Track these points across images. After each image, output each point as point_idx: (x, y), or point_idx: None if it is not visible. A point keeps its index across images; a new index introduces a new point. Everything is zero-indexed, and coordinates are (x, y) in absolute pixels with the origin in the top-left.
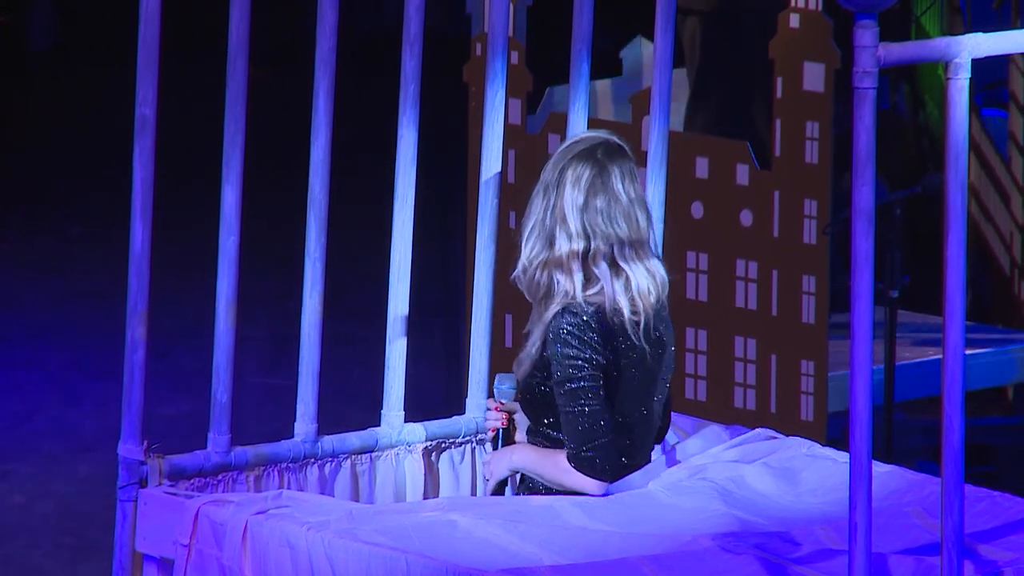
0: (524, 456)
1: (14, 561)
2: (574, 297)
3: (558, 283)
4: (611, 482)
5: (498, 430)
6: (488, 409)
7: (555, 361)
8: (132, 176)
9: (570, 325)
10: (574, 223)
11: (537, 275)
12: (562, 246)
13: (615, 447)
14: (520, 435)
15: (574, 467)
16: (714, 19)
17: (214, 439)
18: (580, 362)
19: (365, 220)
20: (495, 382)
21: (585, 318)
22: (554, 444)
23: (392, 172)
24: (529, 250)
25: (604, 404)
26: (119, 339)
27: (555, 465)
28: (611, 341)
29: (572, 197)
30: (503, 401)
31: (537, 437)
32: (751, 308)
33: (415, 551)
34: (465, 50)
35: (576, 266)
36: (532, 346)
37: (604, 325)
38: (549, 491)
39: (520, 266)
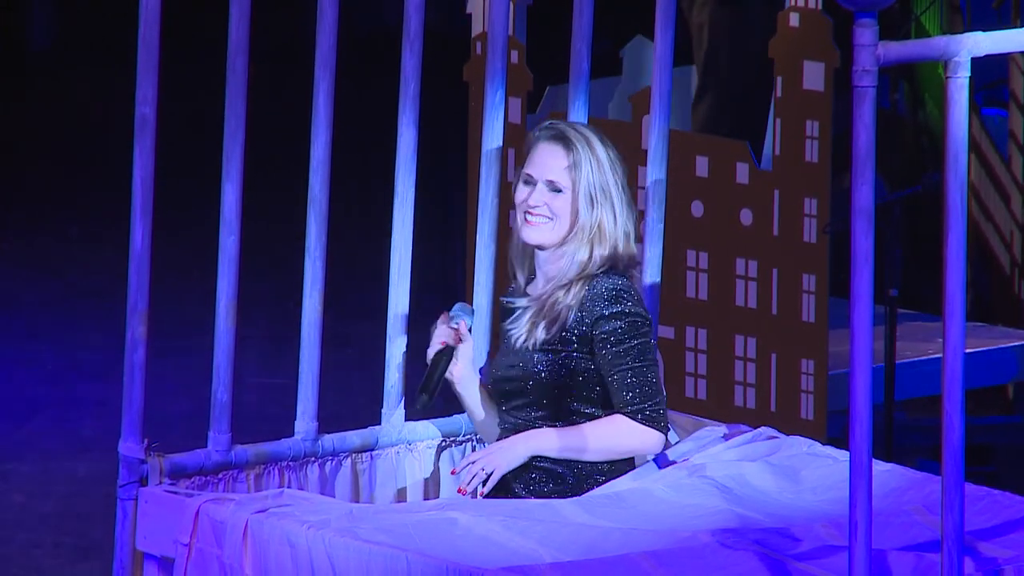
0: (549, 438)
1: (14, 561)
2: (615, 267)
3: (626, 253)
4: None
5: (447, 346)
6: (440, 325)
7: (610, 321)
8: (132, 176)
9: (621, 285)
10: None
11: (626, 245)
12: (631, 222)
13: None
14: (464, 372)
15: (641, 422)
16: (725, 5)
17: (214, 438)
18: (639, 319)
19: (365, 220)
20: (455, 308)
21: (629, 280)
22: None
23: (392, 171)
24: (623, 218)
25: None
26: (119, 339)
27: (609, 430)
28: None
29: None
30: (460, 323)
31: (557, 422)
32: (751, 307)
33: (415, 549)
34: (465, 50)
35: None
36: (560, 306)
37: (637, 291)
38: (579, 479)
39: (620, 233)
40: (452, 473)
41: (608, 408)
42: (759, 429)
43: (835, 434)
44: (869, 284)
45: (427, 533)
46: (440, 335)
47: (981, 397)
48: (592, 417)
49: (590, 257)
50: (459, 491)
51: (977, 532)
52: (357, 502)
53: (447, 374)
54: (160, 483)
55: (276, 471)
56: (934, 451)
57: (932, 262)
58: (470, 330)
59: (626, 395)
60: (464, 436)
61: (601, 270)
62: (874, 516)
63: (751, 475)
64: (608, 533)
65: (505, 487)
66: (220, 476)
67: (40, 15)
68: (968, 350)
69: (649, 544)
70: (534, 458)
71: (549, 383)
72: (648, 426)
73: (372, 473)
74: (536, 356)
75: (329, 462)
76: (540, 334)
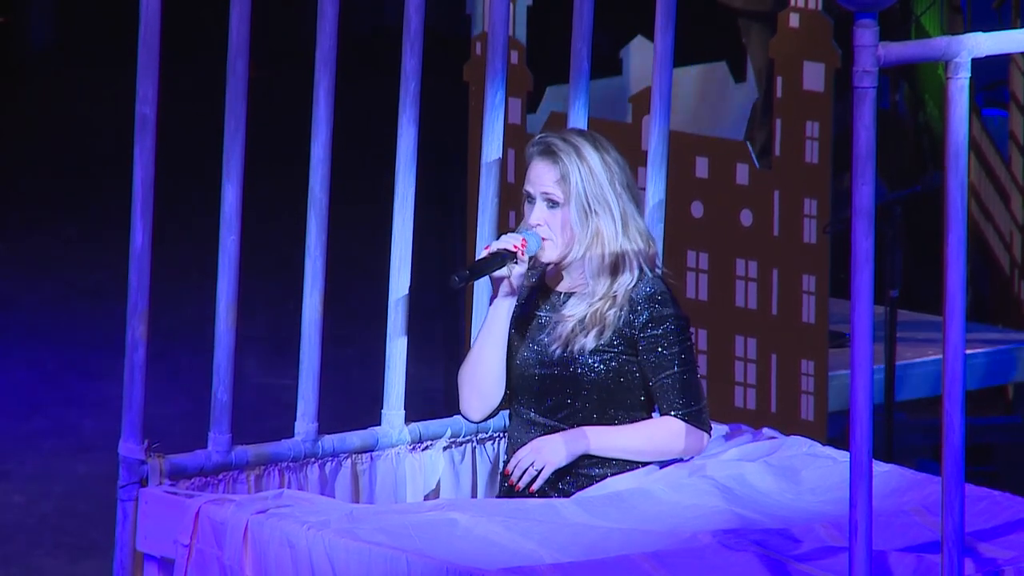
0: (600, 437)
1: (14, 561)
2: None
3: (647, 253)
4: None
5: (508, 252)
6: (512, 234)
7: (657, 325)
8: (131, 176)
9: (662, 288)
10: None
11: (647, 245)
12: (642, 221)
13: None
14: (515, 285)
15: (694, 425)
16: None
17: (215, 438)
18: (684, 322)
19: (365, 220)
20: (525, 231)
21: (664, 281)
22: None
23: (392, 171)
24: (633, 219)
25: None
26: (118, 339)
27: (660, 431)
28: None
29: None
30: (523, 240)
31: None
32: (751, 307)
33: (415, 550)
34: (465, 50)
35: None
36: (608, 316)
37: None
38: (617, 471)
39: (634, 235)
40: (504, 473)
41: (643, 414)
42: (760, 430)
43: (835, 435)
44: (869, 285)
45: (427, 534)
46: (510, 238)
47: (981, 397)
48: (632, 422)
49: (618, 272)
50: (509, 483)
51: (977, 533)
52: (357, 503)
53: (499, 273)
54: (160, 484)
55: (276, 472)
56: (934, 451)
57: (932, 262)
58: (530, 259)
59: (675, 398)
60: (464, 437)
61: (637, 274)
62: (874, 517)
63: (751, 476)
64: (608, 534)
65: (554, 485)
66: (220, 477)
67: (40, 15)
68: (968, 350)
69: (649, 545)
70: (582, 457)
71: (596, 387)
72: (698, 428)
73: (372, 474)
74: (582, 359)
75: (329, 463)
76: (589, 343)
